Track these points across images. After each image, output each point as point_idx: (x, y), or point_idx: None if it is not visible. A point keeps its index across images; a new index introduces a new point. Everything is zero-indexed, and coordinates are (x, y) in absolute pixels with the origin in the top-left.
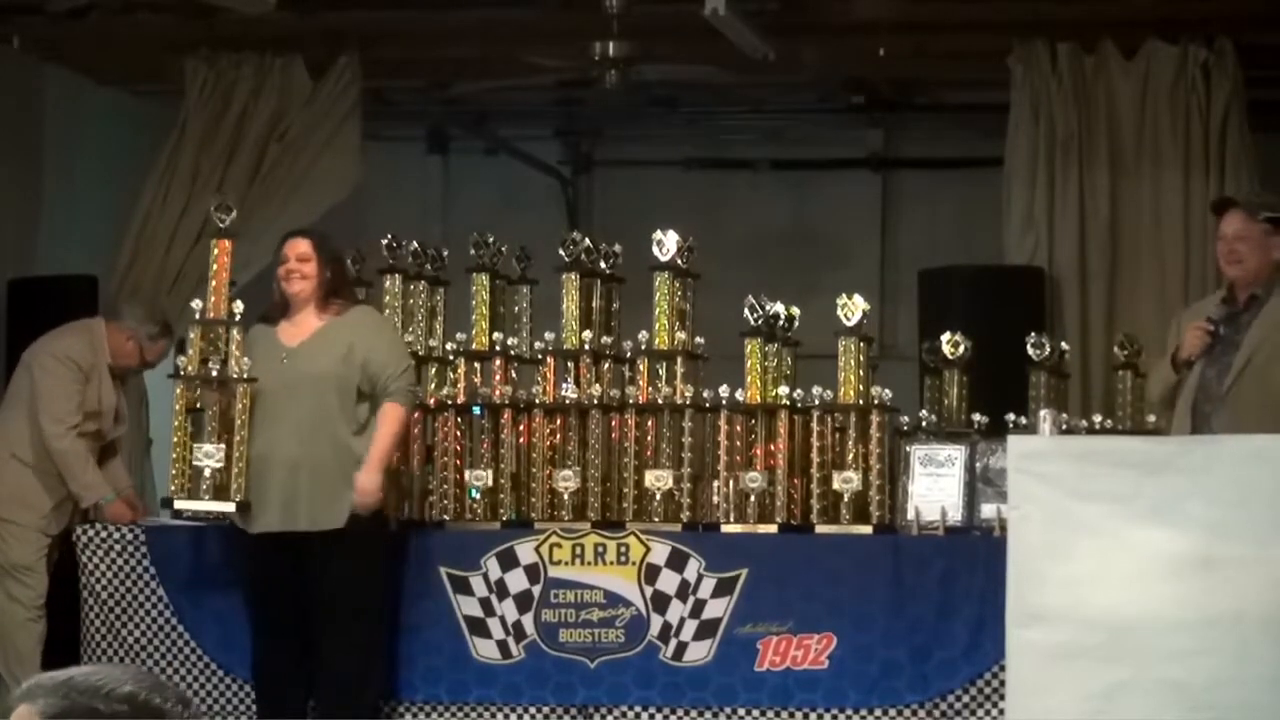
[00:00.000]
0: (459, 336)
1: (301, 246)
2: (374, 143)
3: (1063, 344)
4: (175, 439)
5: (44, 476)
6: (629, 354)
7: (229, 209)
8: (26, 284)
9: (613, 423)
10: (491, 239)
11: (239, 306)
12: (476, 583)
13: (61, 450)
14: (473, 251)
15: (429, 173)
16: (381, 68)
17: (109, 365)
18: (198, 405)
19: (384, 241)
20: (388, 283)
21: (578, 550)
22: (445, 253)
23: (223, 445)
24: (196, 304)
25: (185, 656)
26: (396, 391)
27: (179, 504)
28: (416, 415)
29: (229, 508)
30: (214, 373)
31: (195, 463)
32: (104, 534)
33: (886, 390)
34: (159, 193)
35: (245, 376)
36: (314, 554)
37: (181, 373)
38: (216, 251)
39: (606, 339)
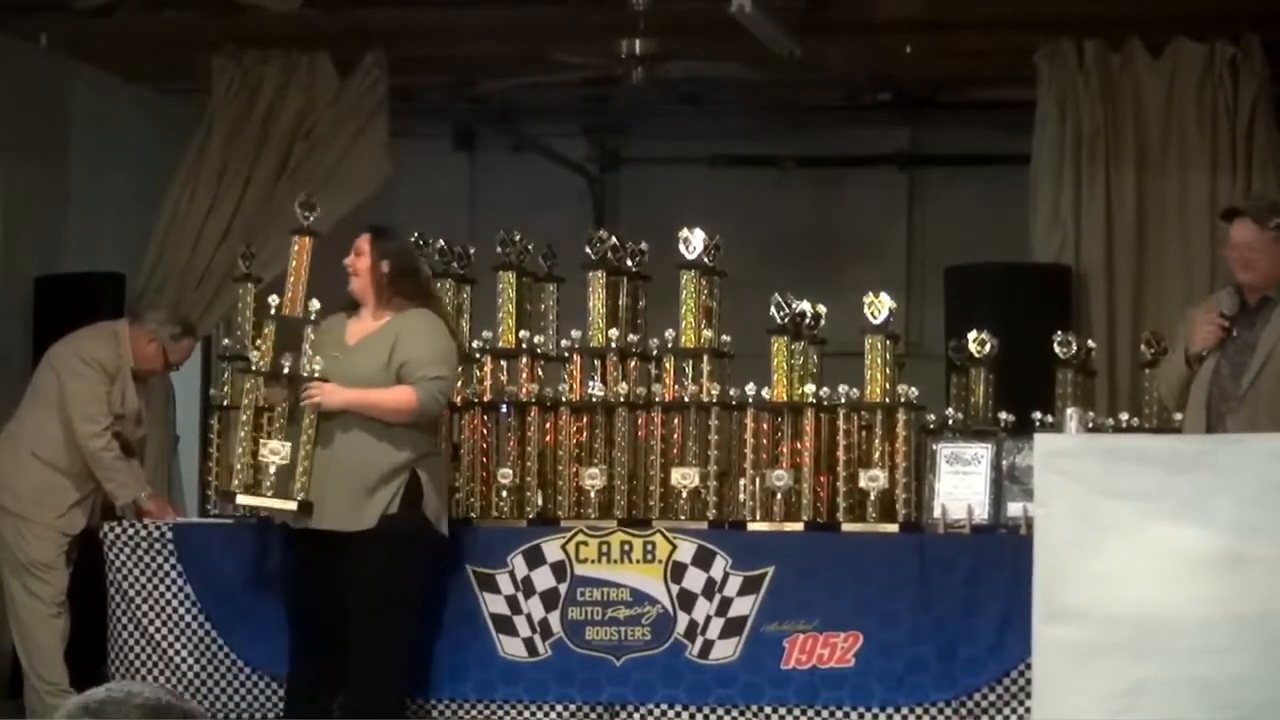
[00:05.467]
0: (485, 334)
1: (358, 243)
2: (400, 140)
3: (1089, 342)
4: (241, 434)
5: (64, 476)
6: (655, 352)
7: (312, 206)
8: (54, 281)
9: (639, 421)
10: (518, 236)
11: (315, 305)
12: (503, 580)
13: (97, 450)
14: (499, 249)
15: (456, 170)
16: (408, 65)
17: (132, 369)
18: (267, 401)
19: (410, 239)
20: None
21: (604, 548)
22: (472, 250)
23: (288, 443)
24: (273, 299)
25: (212, 654)
26: (419, 381)
27: (241, 500)
28: (444, 414)
29: (291, 506)
30: (285, 369)
31: (260, 459)
32: (130, 531)
33: (913, 388)
34: (186, 190)
35: (314, 375)
36: (343, 552)
37: (253, 368)
38: (296, 248)
39: (633, 337)
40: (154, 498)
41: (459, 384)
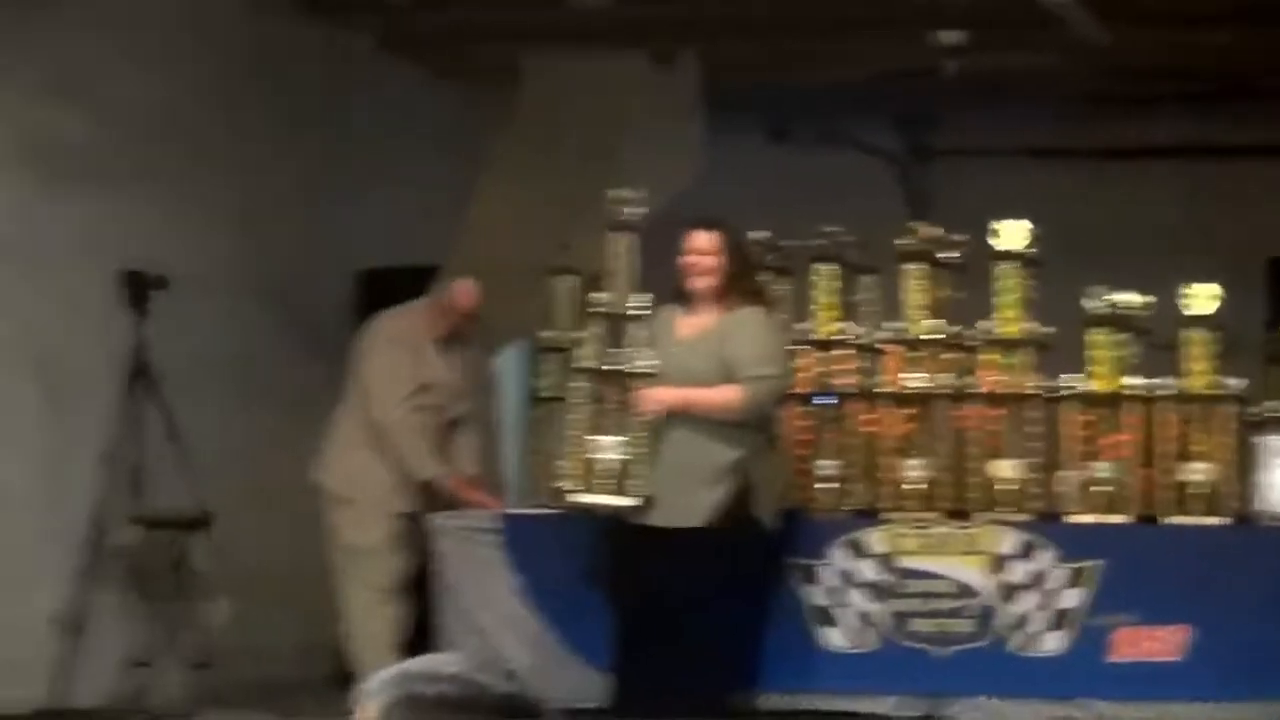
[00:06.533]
0: (801, 327)
1: (702, 240)
2: (713, 134)
3: None
4: (572, 431)
5: (379, 455)
6: (974, 343)
7: (633, 201)
8: (378, 275)
9: (960, 412)
10: (833, 228)
11: (643, 299)
12: (824, 573)
13: (387, 426)
14: (815, 241)
15: (768, 163)
16: (721, 59)
17: (438, 338)
18: (598, 398)
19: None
20: None
21: (926, 540)
22: (787, 242)
23: (619, 439)
24: (600, 295)
25: (540, 645)
26: (747, 380)
27: (574, 498)
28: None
29: (624, 502)
30: (613, 366)
31: (592, 456)
32: (457, 521)
33: (1236, 380)
34: (497, 184)
35: (644, 372)
36: (674, 548)
37: (583, 364)
38: (620, 243)
39: (951, 328)
40: (455, 478)
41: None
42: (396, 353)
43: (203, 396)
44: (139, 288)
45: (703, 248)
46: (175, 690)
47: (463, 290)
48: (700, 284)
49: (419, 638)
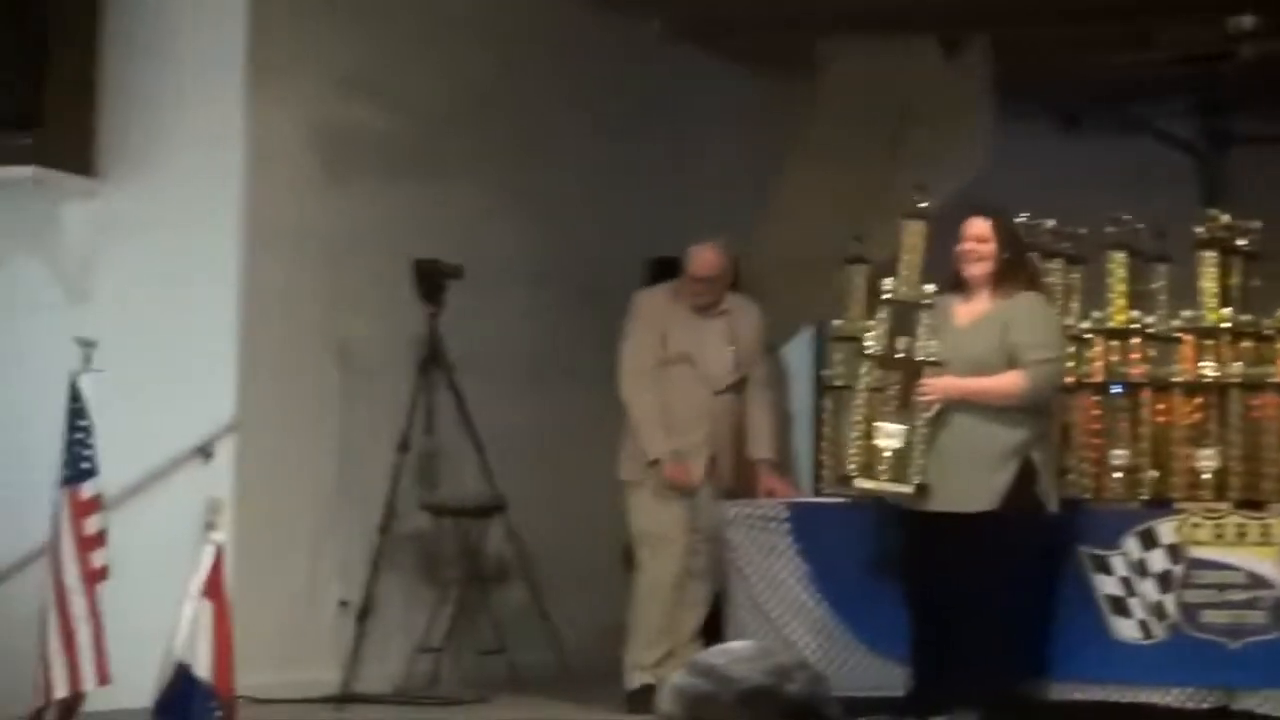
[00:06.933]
0: (1095, 314)
1: (979, 227)
2: (1004, 121)
3: None
4: (856, 417)
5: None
6: (1270, 332)
7: (924, 189)
8: (670, 263)
9: (1254, 402)
10: (1126, 216)
11: (930, 288)
12: (1116, 562)
13: (625, 402)
14: (1109, 229)
15: (1060, 151)
16: (1013, 46)
17: (695, 309)
18: (880, 385)
19: (1020, 219)
20: None
21: (1218, 530)
22: (1080, 230)
23: (903, 426)
24: (887, 282)
25: (830, 633)
26: (1029, 364)
27: (857, 484)
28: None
29: (907, 489)
30: (899, 354)
31: (875, 442)
32: (748, 510)
33: None
34: (795, 172)
35: (928, 359)
36: (959, 535)
37: (866, 351)
38: (909, 231)
39: (1245, 317)
40: (672, 464)
41: (1069, 364)
42: (640, 330)
43: (495, 384)
44: (434, 277)
45: (979, 234)
46: (467, 675)
47: (697, 256)
48: (976, 270)
49: (712, 625)
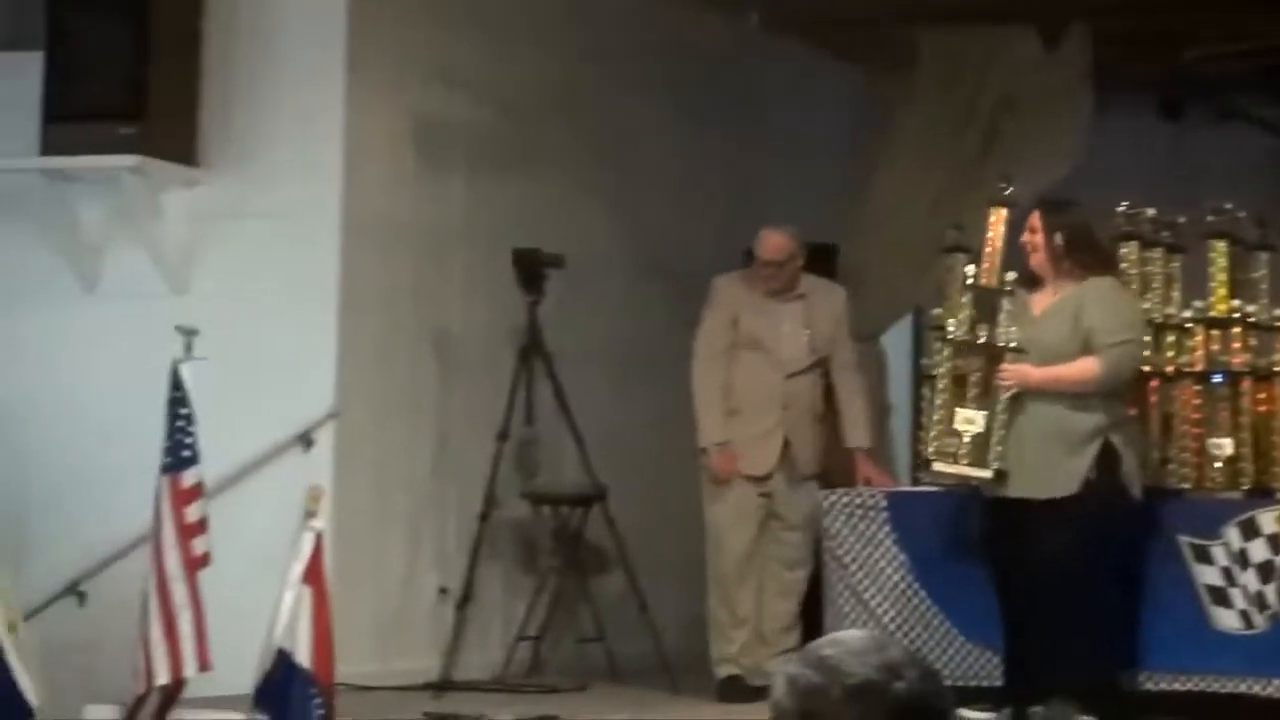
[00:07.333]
0: (1196, 304)
1: (1030, 218)
2: (1105, 111)
3: None
4: (939, 401)
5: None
6: None
7: (1008, 177)
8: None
9: None
10: (1228, 205)
11: (1010, 275)
12: (1217, 552)
13: (693, 388)
14: (1210, 218)
15: (1161, 140)
16: (1112, 35)
17: (769, 294)
18: (963, 370)
19: (1121, 208)
20: (1124, 249)
21: None
22: (1181, 219)
23: (983, 411)
24: (970, 270)
25: (927, 622)
26: (1104, 348)
27: (936, 467)
28: (1153, 384)
29: (985, 474)
30: (980, 340)
31: (956, 427)
32: (845, 499)
33: None
34: (892, 165)
35: (1011, 346)
36: (1041, 520)
37: (949, 337)
38: (993, 219)
39: None
40: (721, 453)
41: (1170, 353)
42: (713, 314)
43: (594, 374)
44: (534, 266)
45: (1030, 226)
46: (566, 664)
47: (765, 240)
48: (1032, 262)
49: (811, 613)
